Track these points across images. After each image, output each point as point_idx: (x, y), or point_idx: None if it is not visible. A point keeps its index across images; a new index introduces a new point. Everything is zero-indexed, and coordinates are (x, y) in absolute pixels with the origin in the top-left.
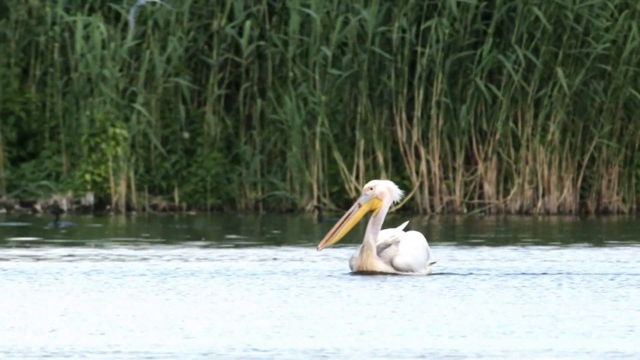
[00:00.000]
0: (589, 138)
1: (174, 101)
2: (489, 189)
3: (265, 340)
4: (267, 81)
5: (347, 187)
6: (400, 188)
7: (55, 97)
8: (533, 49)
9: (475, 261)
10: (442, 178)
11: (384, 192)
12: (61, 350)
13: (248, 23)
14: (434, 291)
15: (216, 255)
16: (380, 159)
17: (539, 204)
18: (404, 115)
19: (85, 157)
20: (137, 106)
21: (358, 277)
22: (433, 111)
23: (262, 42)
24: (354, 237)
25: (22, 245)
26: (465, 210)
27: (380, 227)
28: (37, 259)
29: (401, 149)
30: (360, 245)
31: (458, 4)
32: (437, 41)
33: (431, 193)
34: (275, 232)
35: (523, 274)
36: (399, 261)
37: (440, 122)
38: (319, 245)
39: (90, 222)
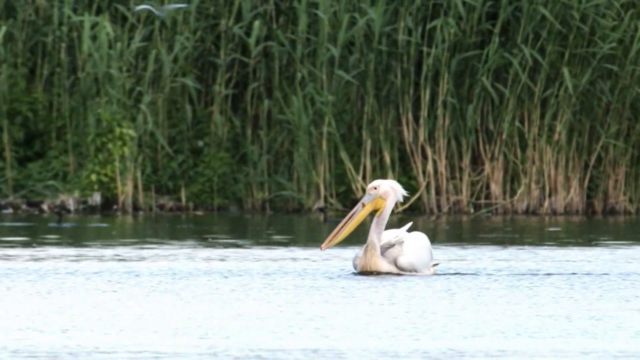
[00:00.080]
0: (595, 138)
1: (180, 101)
2: (495, 189)
3: (276, 340)
4: (274, 81)
5: (353, 187)
6: (407, 188)
7: (62, 97)
8: (539, 49)
9: (483, 261)
10: (449, 178)
11: (388, 191)
12: (71, 351)
13: (257, 23)
14: (444, 291)
15: (223, 255)
16: (387, 159)
17: (546, 204)
18: (410, 115)
19: (92, 157)
20: (143, 106)
21: (367, 278)
22: (439, 111)
23: (270, 43)
24: (361, 236)
25: (28, 245)
26: (472, 211)
27: (384, 226)
28: (43, 259)
29: (408, 149)
30: (364, 245)
31: (464, 3)
32: (443, 41)
33: (438, 193)
34: (282, 232)
35: (531, 274)
36: (403, 261)
37: (447, 122)
38: (323, 245)
39: (95, 222)
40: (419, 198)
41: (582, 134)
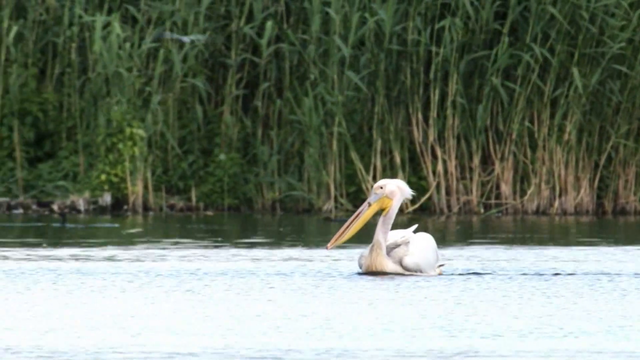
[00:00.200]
0: (605, 138)
1: (191, 101)
2: (505, 189)
3: (288, 340)
4: (285, 81)
5: (364, 187)
6: (417, 188)
7: (73, 97)
8: (548, 49)
9: (494, 261)
10: (459, 178)
11: (394, 191)
12: (82, 351)
13: (269, 24)
14: (455, 291)
15: (233, 255)
16: (397, 159)
17: (556, 204)
18: (420, 116)
19: (102, 158)
20: (153, 106)
21: (379, 278)
22: (449, 111)
23: (282, 45)
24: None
25: (37, 245)
26: (482, 211)
27: (390, 226)
28: (50, 259)
29: (418, 149)
30: (370, 245)
31: (472, 3)
32: (451, 41)
33: (448, 193)
34: (292, 232)
35: (544, 274)
36: (408, 261)
37: (456, 122)
38: (329, 244)
39: (102, 223)
40: (429, 198)
41: (592, 134)
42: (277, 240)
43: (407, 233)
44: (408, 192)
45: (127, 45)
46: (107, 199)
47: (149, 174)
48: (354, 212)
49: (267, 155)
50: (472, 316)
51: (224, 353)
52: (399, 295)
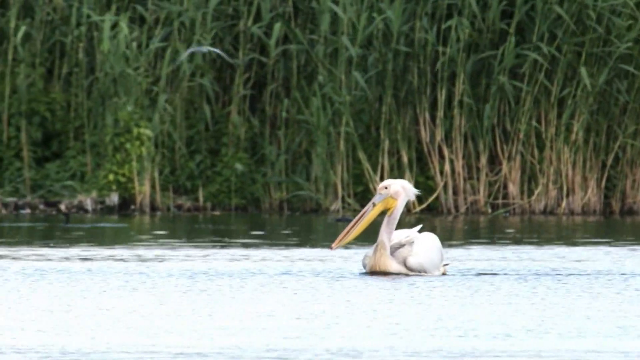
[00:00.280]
0: (613, 138)
1: (198, 101)
2: (513, 189)
3: (297, 340)
4: (293, 81)
5: (371, 187)
6: (425, 188)
7: (80, 97)
8: (555, 49)
9: (501, 261)
10: (466, 178)
11: (399, 191)
12: (92, 351)
13: (277, 25)
14: (463, 291)
15: (242, 255)
16: (405, 159)
17: (563, 204)
18: (427, 115)
19: (109, 157)
20: (160, 106)
21: (387, 278)
22: (456, 111)
23: (290, 46)
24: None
25: (44, 245)
26: (489, 211)
27: (394, 226)
28: (58, 259)
29: (425, 149)
30: (374, 244)
31: (477, 2)
32: (458, 40)
33: (455, 193)
34: (300, 232)
35: (547, 274)
36: (412, 261)
37: (463, 122)
38: (333, 244)
39: (107, 222)
40: (437, 198)
41: (599, 134)
42: (285, 240)
43: (412, 233)
44: (412, 193)
45: (134, 45)
46: (114, 198)
47: (156, 174)
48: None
49: (274, 155)
50: (481, 316)
51: (234, 353)
52: (406, 295)
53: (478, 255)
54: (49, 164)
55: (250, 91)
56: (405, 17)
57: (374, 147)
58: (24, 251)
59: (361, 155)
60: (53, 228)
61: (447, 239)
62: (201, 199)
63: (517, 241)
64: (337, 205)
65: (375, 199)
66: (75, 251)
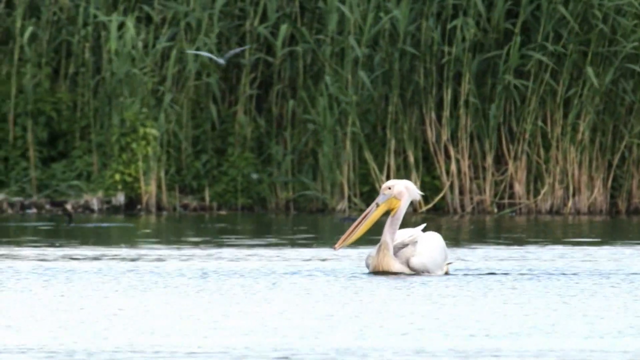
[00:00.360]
0: (619, 137)
1: (204, 101)
2: (519, 188)
3: (306, 340)
4: (299, 81)
5: (377, 186)
6: (431, 188)
7: (87, 97)
8: (561, 48)
9: (509, 261)
10: (472, 178)
11: (402, 191)
12: (101, 350)
13: (284, 27)
14: (472, 291)
15: (248, 255)
16: (411, 159)
17: (570, 203)
18: (433, 115)
19: (115, 157)
20: (166, 105)
21: (390, 278)
22: (462, 111)
23: (297, 48)
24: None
25: (50, 245)
26: (495, 210)
27: (398, 226)
28: (64, 259)
29: (431, 149)
30: (378, 245)
31: (483, 1)
32: (463, 40)
33: (461, 193)
34: (306, 231)
35: (554, 274)
36: (415, 262)
37: (469, 122)
38: (337, 245)
39: (110, 222)
40: (443, 198)
41: (605, 134)
42: (291, 240)
43: (416, 232)
44: (416, 193)
45: (140, 45)
46: (120, 198)
47: (162, 174)
48: None
49: (281, 155)
50: (490, 316)
51: (243, 353)
52: (416, 295)
53: (484, 255)
54: (55, 163)
55: (256, 91)
56: (412, 17)
57: (380, 147)
58: (30, 251)
59: (367, 155)
60: (59, 228)
61: (454, 238)
62: (207, 198)
63: (523, 241)
64: (343, 205)
65: (379, 199)
66: (79, 251)
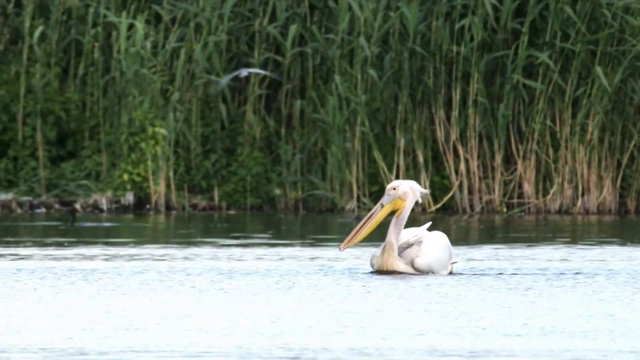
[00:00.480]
0: (628, 137)
1: (214, 100)
2: (528, 188)
3: (319, 339)
4: (308, 80)
5: (386, 186)
6: (440, 187)
7: (96, 96)
8: (568, 48)
9: (518, 260)
10: (482, 177)
11: (407, 192)
12: (113, 350)
13: (293, 27)
14: (483, 291)
15: (258, 255)
16: (421, 158)
17: (579, 203)
18: (442, 115)
19: (124, 157)
20: (175, 105)
21: (408, 277)
22: (470, 110)
23: (306, 49)
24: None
25: (58, 245)
26: (504, 210)
27: (402, 227)
28: (71, 259)
29: (440, 149)
30: (382, 245)
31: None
32: (472, 40)
33: (470, 192)
34: (316, 231)
35: (564, 274)
36: (420, 262)
37: (478, 122)
38: (342, 246)
39: (115, 222)
40: (452, 197)
41: (614, 133)
42: (300, 239)
43: (421, 231)
44: (420, 193)
45: (149, 45)
46: (129, 198)
47: (171, 173)
48: None
49: (290, 154)
50: (499, 315)
51: (252, 352)
52: (424, 294)
53: (494, 255)
54: (64, 163)
55: (265, 90)
56: (422, 17)
57: (389, 147)
58: (40, 251)
59: (376, 155)
60: (61, 228)
61: (463, 238)
62: (216, 198)
63: (532, 240)
64: (352, 204)
65: (384, 199)
66: (83, 251)
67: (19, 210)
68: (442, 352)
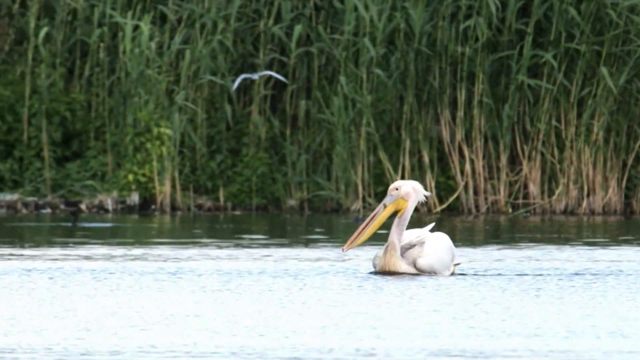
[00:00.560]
0: (633, 137)
1: (219, 101)
2: (533, 189)
3: (325, 339)
4: (313, 80)
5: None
6: (445, 188)
7: (101, 97)
8: (574, 48)
9: (523, 261)
10: (487, 178)
11: (410, 192)
12: (122, 350)
13: (298, 27)
14: (488, 291)
15: (263, 256)
16: (426, 159)
17: (584, 204)
18: (448, 115)
19: (130, 157)
20: (180, 105)
21: (414, 278)
22: (475, 111)
23: (311, 49)
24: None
25: (65, 245)
26: (510, 210)
27: (405, 227)
28: (77, 259)
29: (446, 149)
30: (385, 245)
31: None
32: (476, 40)
33: (476, 193)
34: (321, 232)
35: (570, 274)
36: (422, 263)
37: (483, 122)
38: (345, 247)
39: (119, 222)
40: (457, 198)
41: (619, 134)
42: (306, 240)
43: (423, 232)
44: (423, 194)
45: (154, 45)
46: (134, 198)
47: (176, 174)
48: None
49: (295, 155)
50: (508, 316)
51: (258, 352)
52: (430, 295)
53: (499, 255)
54: (70, 163)
55: (271, 91)
56: (427, 17)
57: (395, 147)
58: (45, 251)
59: (382, 155)
60: (72, 228)
61: (468, 238)
62: (222, 198)
63: (538, 241)
64: (357, 205)
65: (386, 200)
66: (89, 251)
67: (24, 211)
68: (447, 353)
